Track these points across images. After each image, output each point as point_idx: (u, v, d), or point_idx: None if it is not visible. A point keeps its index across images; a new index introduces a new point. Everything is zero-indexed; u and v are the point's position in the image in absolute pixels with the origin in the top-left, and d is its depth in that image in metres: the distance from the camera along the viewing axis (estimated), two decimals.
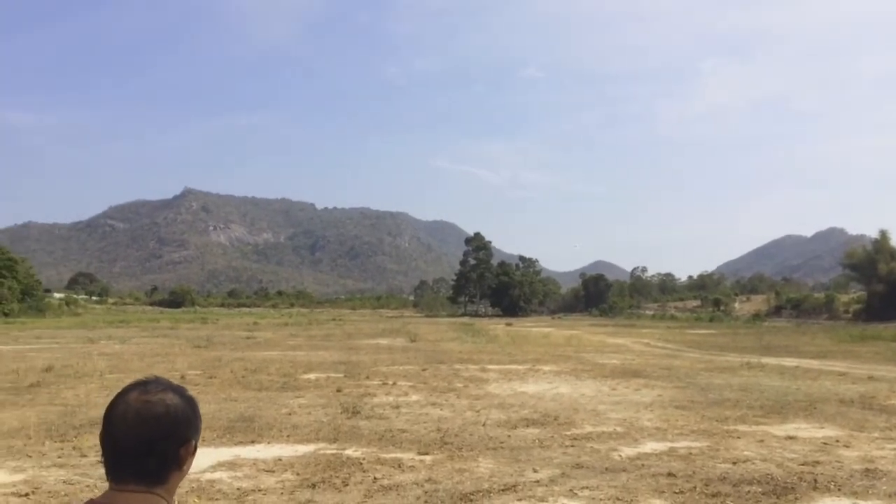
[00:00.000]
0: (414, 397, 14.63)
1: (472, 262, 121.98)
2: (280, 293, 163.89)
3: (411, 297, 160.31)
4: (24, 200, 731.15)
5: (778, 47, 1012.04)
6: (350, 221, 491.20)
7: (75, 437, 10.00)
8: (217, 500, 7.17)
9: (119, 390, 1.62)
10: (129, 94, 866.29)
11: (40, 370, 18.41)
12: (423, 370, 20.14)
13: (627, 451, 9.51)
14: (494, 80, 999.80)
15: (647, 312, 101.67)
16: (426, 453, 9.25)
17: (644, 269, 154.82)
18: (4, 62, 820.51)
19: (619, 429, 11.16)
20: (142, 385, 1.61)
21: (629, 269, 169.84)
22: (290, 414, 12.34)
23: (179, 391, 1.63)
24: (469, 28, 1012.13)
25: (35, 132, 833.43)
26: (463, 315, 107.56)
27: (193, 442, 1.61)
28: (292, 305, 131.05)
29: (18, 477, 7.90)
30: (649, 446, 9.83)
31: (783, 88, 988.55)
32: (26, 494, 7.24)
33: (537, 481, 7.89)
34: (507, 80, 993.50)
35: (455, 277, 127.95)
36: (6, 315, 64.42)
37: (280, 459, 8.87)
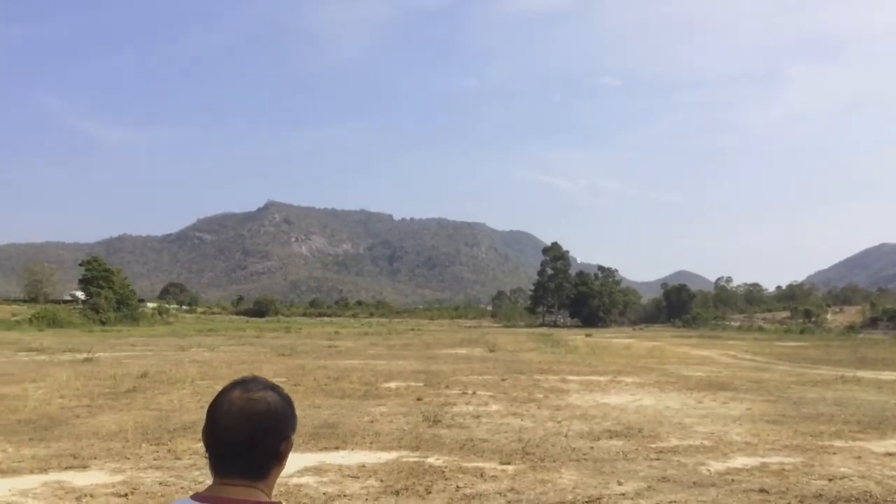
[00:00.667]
0: (494, 407, 14.59)
1: (550, 271, 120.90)
2: (360, 303, 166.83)
3: (489, 308, 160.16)
4: (119, 214, 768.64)
5: (867, 48, 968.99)
6: (427, 232, 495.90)
7: (170, 441, 10.39)
8: None
9: (220, 389, 1.68)
10: (214, 110, 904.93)
11: (136, 376, 19.22)
12: (503, 380, 20.07)
13: (716, 465, 9.22)
14: (571, 89, 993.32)
15: (733, 324, 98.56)
16: (508, 463, 9.20)
17: (729, 280, 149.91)
18: (105, 83, 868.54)
19: (706, 442, 10.83)
20: (242, 384, 1.66)
21: (713, 280, 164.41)
22: (372, 422, 12.50)
23: (277, 389, 1.68)
24: (545, 37, 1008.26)
25: (129, 148, 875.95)
26: (541, 325, 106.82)
27: (292, 437, 1.65)
28: (372, 315, 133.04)
29: (118, 478, 8.27)
30: (739, 461, 9.50)
31: (874, 91, 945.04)
32: (125, 495, 7.58)
33: (623, 494, 7.74)
34: (583, 89, 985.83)
35: (533, 287, 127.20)
36: (103, 323, 67.74)
37: (364, 466, 8.99)
